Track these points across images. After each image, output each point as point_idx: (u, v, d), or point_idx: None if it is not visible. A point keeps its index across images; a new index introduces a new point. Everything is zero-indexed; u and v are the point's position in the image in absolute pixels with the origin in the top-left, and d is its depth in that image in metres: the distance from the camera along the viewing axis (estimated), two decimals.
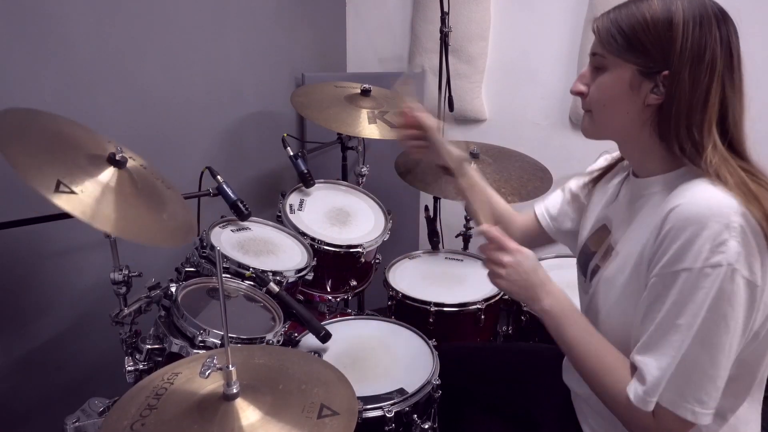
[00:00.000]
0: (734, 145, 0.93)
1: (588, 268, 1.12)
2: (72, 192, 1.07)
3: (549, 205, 1.32)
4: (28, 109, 1.21)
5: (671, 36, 0.90)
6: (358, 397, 1.19)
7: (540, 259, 1.90)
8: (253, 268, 1.48)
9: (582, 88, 1.02)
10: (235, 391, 0.90)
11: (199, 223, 1.66)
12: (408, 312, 1.72)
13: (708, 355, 0.86)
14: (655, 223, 0.90)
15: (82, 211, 1.07)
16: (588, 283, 1.10)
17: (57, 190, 1.05)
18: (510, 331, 1.82)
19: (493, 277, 1.05)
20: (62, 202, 1.05)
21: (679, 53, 0.90)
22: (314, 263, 1.67)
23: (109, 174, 1.18)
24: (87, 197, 1.10)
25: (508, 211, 1.37)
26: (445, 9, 2.17)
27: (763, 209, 0.85)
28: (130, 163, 1.25)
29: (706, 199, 0.86)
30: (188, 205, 1.40)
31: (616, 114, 0.98)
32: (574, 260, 1.90)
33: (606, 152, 1.20)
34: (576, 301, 1.35)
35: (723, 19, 0.92)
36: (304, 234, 1.75)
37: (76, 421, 1.37)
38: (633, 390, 0.90)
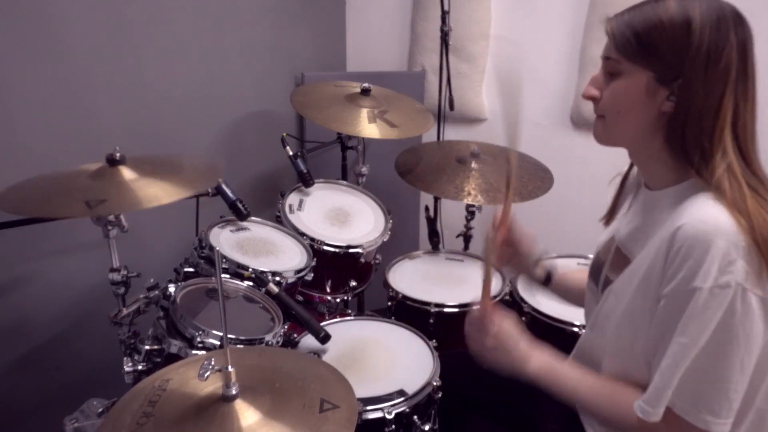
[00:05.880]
0: (744, 155, 0.91)
1: (600, 277, 1.12)
2: (103, 201, 1.17)
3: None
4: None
5: (688, 40, 0.87)
6: (358, 399, 1.19)
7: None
8: (252, 269, 1.48)
9: (595, 92, 0.99)
10: (234, 392, 0.89)
11: (198, 224, 1.66)
12: (408, 312, 1.72)
13: (718, 369, 0.86)
14: (664, 240, 0.90)
15: (131, 203, 1.19)
16: (600, 293, 1.10)
17: (91, 207, 1.15)
18: None
19: (479, 355, 1.09)
20: (102, 211, 1.17)
21: (694, 58, 0.87)
22: (314, 263, 1.66)
23: (122, 172, 1.26)
24: (118, 196, 1.20)
25: (581, 280, 1.36)
26: (446, 8, 2.16)
27: (753, 230, 0.84)
28: (129, 157, 1.30)
29: (712, 216, 0.86)
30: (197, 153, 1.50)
31: (630, 121, 0.97)
32: (574, 260, 1.92)
33: (618, 174, 1.19)
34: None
35: (740, 22, 0.89)
36: (303, 234, 1.74)
37: (75, 422, 1.36)
38: (638, 405, 0.93)
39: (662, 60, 0.90)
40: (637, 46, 0.91)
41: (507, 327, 1.08)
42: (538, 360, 1.07)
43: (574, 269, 1.38)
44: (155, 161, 1.35)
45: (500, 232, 1.24)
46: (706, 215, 0.86)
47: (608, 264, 1.09)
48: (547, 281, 1.33)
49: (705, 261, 0.84)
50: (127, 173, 1.26)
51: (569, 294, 1.35)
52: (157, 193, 1.21)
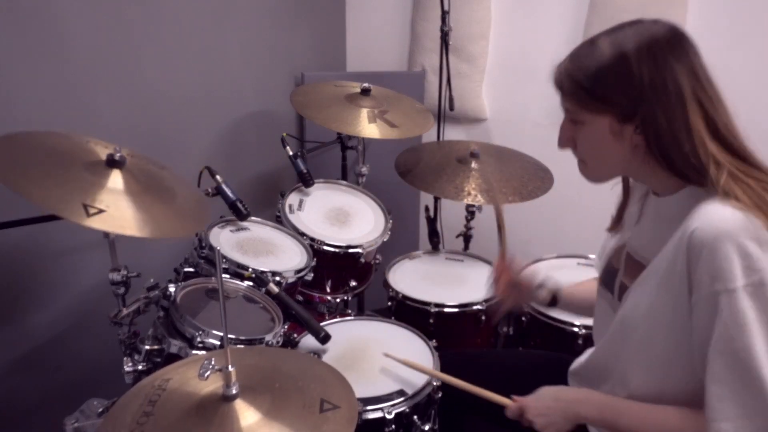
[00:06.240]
0: (738, 152, 0.91)
1: (614, 285, 1.11)
2: (101, 211, 1.06)
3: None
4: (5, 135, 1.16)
5: (630, 75, 0.89)
6: (358, 399, 1.19)
7: (541, 260, 1.92)
8: (253, 269, 1.48)
9: (568, 144, 1.03)
10: (234, 391, 0.89)
11: None
12: (408, 312, 1.72)
13: None
14: (681, 243, 0.90)
15: (121, 225, 1.06)
16: (617, 301, 1.09)
17: (89, 214, 1.04)
18: (511, 332, 1.81)
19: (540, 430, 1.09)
20: (99, 224, 1.04)
21: (642, 90, 0.89)
22: (314, 263, 1.66)
23: (114, 178, 1.17)
24: (115, 210, 1.09)
25: (589, 291, 1.35)
26: (446, 8, 2.16)
27: None
28: (129, 158, 1.23)
29: (723, 217, 0.86)
30: (185, 178, 1.40)
31: (609, 159, 0.99)
32: (574, 260, 1.92)
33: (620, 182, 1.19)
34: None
35: (677, 42, 0.90)
36: (303, 234, 1.74)
37: (75, 422, 1.36)
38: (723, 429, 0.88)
39: (615, 102, 0.92)
40: (587, 97, 0.94)
41: (540, 393, 1.10)
42: (586, 404, 1.06)
43: (580, 282, 1.38)
44: (152, 171, 1.28)
45: (502, 278, 1.29)
46: (718, 216, 0.86)
47: (622, 271, 1.09)
48: (553, 303, 1.34)
49: (729, 260, 0.84)
50: (122, 182, 1.17)
51: (581, 308, 1.36)
52: (149, 222, 1.13)
